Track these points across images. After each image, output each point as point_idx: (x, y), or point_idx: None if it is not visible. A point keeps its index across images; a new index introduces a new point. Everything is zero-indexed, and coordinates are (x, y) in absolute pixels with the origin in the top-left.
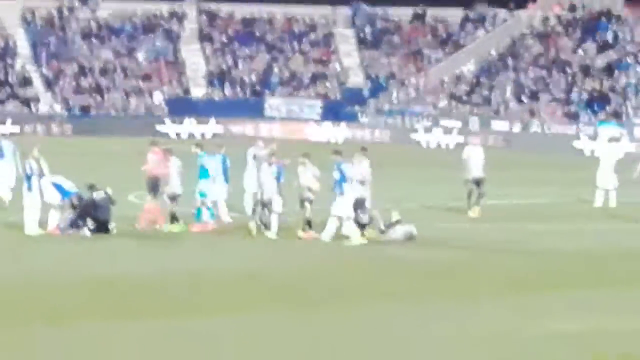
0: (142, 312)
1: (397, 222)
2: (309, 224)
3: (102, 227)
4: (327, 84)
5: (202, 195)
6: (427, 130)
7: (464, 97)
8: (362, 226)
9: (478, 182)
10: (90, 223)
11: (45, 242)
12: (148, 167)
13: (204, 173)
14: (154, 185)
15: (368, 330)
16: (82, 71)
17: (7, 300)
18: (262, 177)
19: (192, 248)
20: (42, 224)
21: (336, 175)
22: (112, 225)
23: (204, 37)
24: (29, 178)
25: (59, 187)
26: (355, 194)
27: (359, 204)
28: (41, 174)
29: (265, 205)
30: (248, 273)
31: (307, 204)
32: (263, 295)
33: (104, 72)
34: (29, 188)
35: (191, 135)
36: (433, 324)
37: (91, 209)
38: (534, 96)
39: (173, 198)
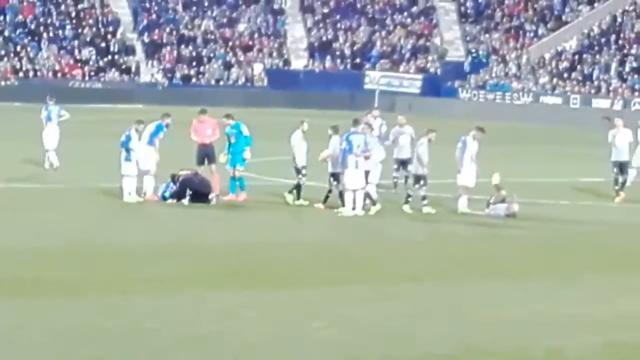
0: (249, 281)
1: (502, 199)
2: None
3: (201, 197)
4: (428, 58)
5: (244, 164)
6: (527, 107)
7: (565, 74)
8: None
9: (622, 166)
10: (189, 193)
11: (144, 209)
12: (197, 136)
13: (245, 141)
14: (202, 155)
15: (466, 305)
16: (183, 40)
17: (109, 267)
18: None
19: (284, 218)
20: (139, 191)
21: (345, 145)
22: (212, 196)
23: (306, 9)
24: (127, 147)
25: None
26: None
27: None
28: (139, 144)
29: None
30: (338, 247)
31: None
32: (364, 267)
33: (204, 42)
34: (128, 158)
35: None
36: (531, 303)
37: (192, 180)
38: (637, 73)
39: (299, 171)
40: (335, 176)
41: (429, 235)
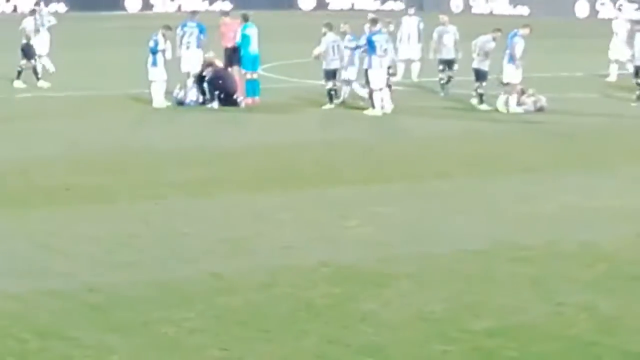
0: (279, 182)
1: (530, 94)
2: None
3: (230, 99)
4: None
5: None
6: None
7: None
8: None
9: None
10: (218, 94)
11: (174, 114)
12: (224, 40)
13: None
14: (229, 57)
15: (498, 200)
16: None
17: (140, 173)
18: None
19: (311, 119)
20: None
21: (366, 45)
22: (240, 99)
23: None
24: (154, 53)
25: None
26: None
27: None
28: (166, 49)
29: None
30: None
31: None
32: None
33: None
34: (154, 63)
35: None
36: (562, 196)
37: (219, 81)
38: None
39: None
40: (329, 73)
41: (459, 132)
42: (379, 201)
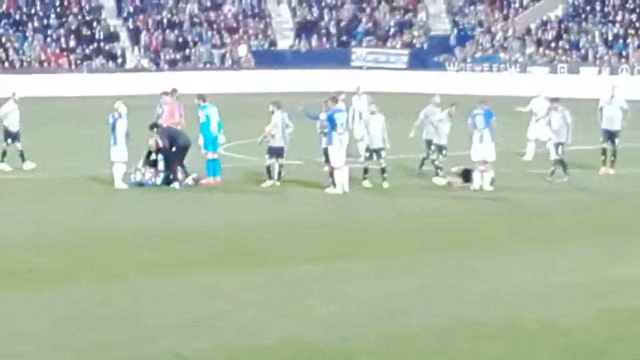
0: (240, 261)
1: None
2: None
3: (186, 152)
4: (414, 33)
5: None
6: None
7: (552, 44)
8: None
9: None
10: (181, 178)
11: (135, 195)
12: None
13: (218, 125)
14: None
15: (456, 276)
16: (168, 25)
17: (104, 254)
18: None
19: (270, 198)
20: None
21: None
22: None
23: None
24: (114, 132)
25: None
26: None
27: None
28: (125, 128)
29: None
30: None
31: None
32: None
33: (190, 25)
34: (115, 142)
35: None
36: (521, 273)
37: (171, 141)
38: (623, 41)
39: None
40: (273, 150)
41: (420, 209)
42: (341, 279)
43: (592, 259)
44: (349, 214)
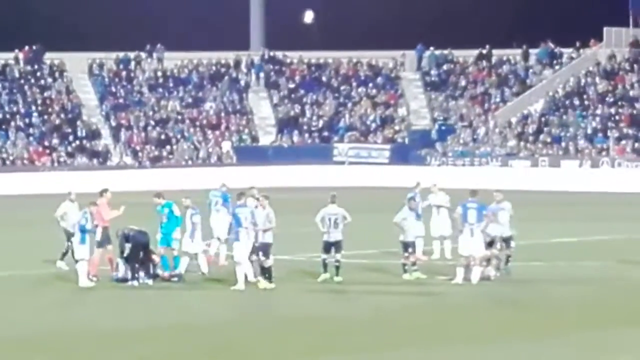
0: None
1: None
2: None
3: (148, 251)
4: (395, 128)
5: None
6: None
7: (533, 137)
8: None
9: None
10: (148, 270)
11: (99, 293)
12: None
13: (175, 222)
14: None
15: None
16: (150, 122)
17: (71, 356)
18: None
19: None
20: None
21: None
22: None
23: (271, 85)
24: (83, 231)
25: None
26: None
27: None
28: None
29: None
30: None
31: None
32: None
33: (172, 122)
34: (83, 241)
35: None
36: None
37: (131, 241)
38: (603, 134)
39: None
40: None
41: (406, 303)
42: None
43: (589, 349)
44: (339, 306)
